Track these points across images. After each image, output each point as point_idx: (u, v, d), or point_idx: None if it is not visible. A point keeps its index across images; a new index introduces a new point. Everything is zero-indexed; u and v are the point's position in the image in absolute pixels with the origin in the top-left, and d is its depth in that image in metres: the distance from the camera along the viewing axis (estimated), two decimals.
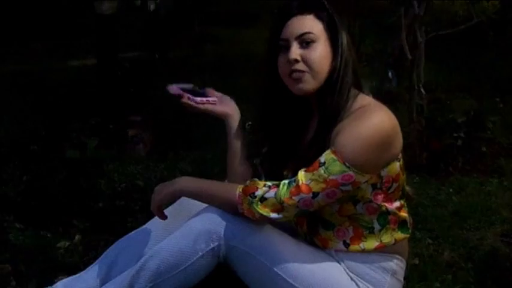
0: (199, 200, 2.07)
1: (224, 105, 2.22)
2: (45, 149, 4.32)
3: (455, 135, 4.35)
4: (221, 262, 2.02)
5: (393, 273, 2.08)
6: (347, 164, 1.89)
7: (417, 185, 3.98)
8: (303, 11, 2.02)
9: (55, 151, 4.17)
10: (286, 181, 1.96)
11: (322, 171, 1.91)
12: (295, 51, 2.00)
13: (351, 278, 2.05)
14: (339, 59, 2.02)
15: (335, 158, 1.90)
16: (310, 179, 1.92)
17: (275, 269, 1.99)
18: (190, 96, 2.17)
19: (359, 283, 2.05)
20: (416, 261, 3.01)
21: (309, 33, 2.00)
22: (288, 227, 2.18)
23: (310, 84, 2.01)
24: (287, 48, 2.02)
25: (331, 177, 1.90)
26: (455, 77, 6.60)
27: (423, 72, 4.39)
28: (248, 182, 2.02)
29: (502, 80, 6.32)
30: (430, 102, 4.53)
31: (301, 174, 1.93)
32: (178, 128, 5.05)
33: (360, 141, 1.90)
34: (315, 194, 1.92)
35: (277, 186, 1.96)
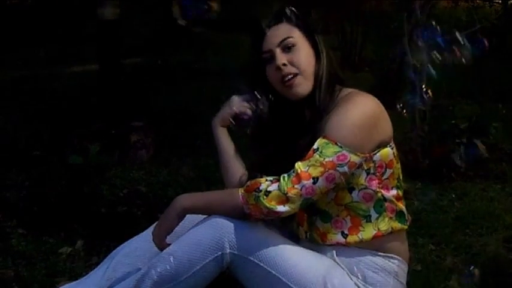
0: (203, 213, 2.07)
1: None
2: (48, 155, 4.32)
3: (457, 141, 4.35)
4: (224, 270, 2.02)
5: (395, 275, 2.09)
6: (339, 144, 1.96)
7: (419, 190, 3.98)
8: (276, 21, 2.15)
9: (57, 156, 4.17)
10: (285, 174, 1.99)
11: (318, 156, 1.97)
12: (281, 56, 2.10)
13: (354, 283, 2.05)
14: (322, 56, 2.13)
15: (327, 141, 1.98)
16: (307, 165, 1.97)
17: (279, 276, 1.99)
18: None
19: (362, 286, 2.05)
20: (419, 267, 3.01)
21: (289, 37, 2.12)
22: (291, 235, 2.19)
23: (303, 85, 2.10)
24: (271, 58, 2.12)
25: (326, 160, 1.96)
26: (457, 82, 6.60)
27: (425, 78, 4.39)
28: (248, 182, 2.02)
29: (505, 86, 6.33)
30: (433, 108, 4.52)
31: (298, 164, 1.98)
32: (180, 134, 5.05)
33: (347, 121, 1.99)
34: (315, 179, 1.96)
35: (279, 179, 1.99)
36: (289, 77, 2.08)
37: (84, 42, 7.95)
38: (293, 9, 2.16)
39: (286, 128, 2.17)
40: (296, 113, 2.14)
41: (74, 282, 2.29)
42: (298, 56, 2.10)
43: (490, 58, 7.34)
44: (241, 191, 2.01)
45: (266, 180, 1.99)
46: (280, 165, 2.06)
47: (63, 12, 9.28)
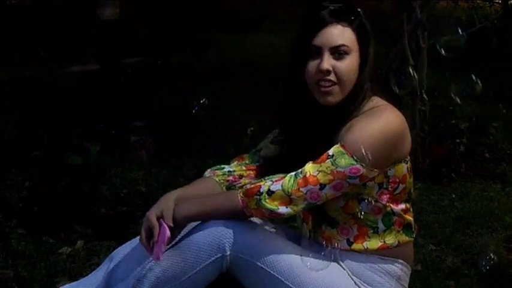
0: (203, 220, 2.03)
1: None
2: (48, 155, 4.31)
3: (457, 141, 4.35)
4: (224, 272, 2.01)
5: (398, 279, 2.08)
6: (355, 158, 1.92)
7: (420, 191, 3.98)
8: (340, 19, 2.01)
9: (57, 157, 4.17)
10: (292, 173, 1.96)
11: (330, 163, 1.93)
12: (328, 61, 2.00)
13: (355, 283, 2.04)
14: (365, 72, 2.04)
15: (343, 151, 1.93)
16: (317, 170, 1.93)
17: (279, 277, 1.98)
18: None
19: None
20: (419, 267, 3.01)
21: (344, 45, 2.00)
22: (291, 236, 2.19)
23: (337, 97, 2.02)
24: (318, 54, 2.01)
25: (338, 170, 1.92)
26: (457, 83, 6.59)
27: (425, 78, 4.39)
28: (248, 185, 2.01)
29: (505, 86, 6.33)
30: (433, 108, 4.52)
31: (309, 166, 1.95)
32: (180, 134, 5.05)
33: (368, 136, 1.93)
34: (322, 186, 1.93)
35: (282, 178, 1.96)
36: (327, 83, 2.00)
37: (85, 42, 7.95)
38: (360, 11, 2.06)
39: (307, 125, 2.10)
40: (318, 114, 2.08)
41: (74, 283, 2.28)
42: (344, 67, 1.99)
43: (490, 58, 7.35)
44: (240, 195, 1.98)
45: (266, 181, 1.97)
46: (291, 165, 2.05)
47: (63, 12, 9.27)
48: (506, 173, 4.34)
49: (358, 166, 1.92)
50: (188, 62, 7.75)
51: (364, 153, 1.91)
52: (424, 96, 4.35)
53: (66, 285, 2.27)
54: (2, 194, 3.75)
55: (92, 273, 2.25)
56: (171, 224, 1.99)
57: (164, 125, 5.10)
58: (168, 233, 1.97)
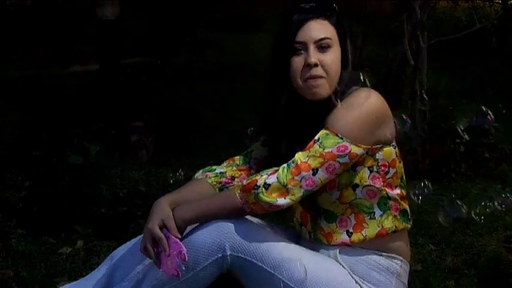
0: (203, 222, 2.03)
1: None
2: (47, 155, 4.32)
3: (457, 141, 4.35)
4: (225, 272, 2.01)
5: (398, 276, 2.09)
6: (340, 135, 1.96)
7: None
8: (319, 15, 2.06)
9: (57, 157, 4.17)
10: (285, 165, 1.98)
11: (318, 147, 1.96)
12: (314, 54, 2.04)
13: (356, 281, 2.05)
14: (346, 65, 2.10)
15: (328, 132, 1.97)
16: (307, 156, 1.96)
17: (280, 276, 1.98)
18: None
19: (364, 286, 2.05)
20: (419, 267, 3.01)
21: (327, 38, 2.05)
22: (291, 235, 2.19)
23: (325, 90, 2.05)
24: (302, 50, 2.05)
25: (326, 150, 1.95)
26: (457, 83, 6.61)
27: (426, 78, 4.39)
28: (244, 181, 2.01)
29: (505, 86, 6.33)
30: (433, 108, 4.52)
31: (298, 155, 1.97)
32: (180, 134, 5.05)
33: (350, 113, 1.98)
34: (315, 171, 1.95)
35: (276, 171, 1.97)
36: (316, 79, 2.02)
37: (84, 42, 7.95)
38: (335, 7, 2.10)
39: (291, 125, 2.13)
40: (304, 110, 2.10)
41: (74, 283, 2.28)
42: (329, 59, 2.04)
43: (490, 58, 7.36)
44: (237, 192, 1.99)
45: (261, 175, 1.98)
46: (280, 162, 2.05)
47: (63, 12, 9.27)
48: (506, 173, 4.34)
49: (345, 143, 1.95)
50: (188, 61, 7.76)
51: (348, 130, 1.96)
52: (424, 96, 4.35)
53: (66, 285, 2.27)
54: (2, 194, 3.75)
55: (92, 273, 2.24)
56: (180, 236, 1.97)
57: (164, 125, 5.11)
58: (183, 249, 1.92)
